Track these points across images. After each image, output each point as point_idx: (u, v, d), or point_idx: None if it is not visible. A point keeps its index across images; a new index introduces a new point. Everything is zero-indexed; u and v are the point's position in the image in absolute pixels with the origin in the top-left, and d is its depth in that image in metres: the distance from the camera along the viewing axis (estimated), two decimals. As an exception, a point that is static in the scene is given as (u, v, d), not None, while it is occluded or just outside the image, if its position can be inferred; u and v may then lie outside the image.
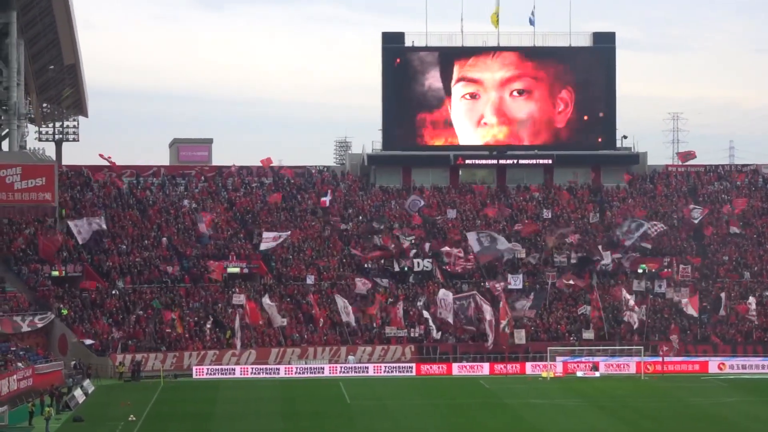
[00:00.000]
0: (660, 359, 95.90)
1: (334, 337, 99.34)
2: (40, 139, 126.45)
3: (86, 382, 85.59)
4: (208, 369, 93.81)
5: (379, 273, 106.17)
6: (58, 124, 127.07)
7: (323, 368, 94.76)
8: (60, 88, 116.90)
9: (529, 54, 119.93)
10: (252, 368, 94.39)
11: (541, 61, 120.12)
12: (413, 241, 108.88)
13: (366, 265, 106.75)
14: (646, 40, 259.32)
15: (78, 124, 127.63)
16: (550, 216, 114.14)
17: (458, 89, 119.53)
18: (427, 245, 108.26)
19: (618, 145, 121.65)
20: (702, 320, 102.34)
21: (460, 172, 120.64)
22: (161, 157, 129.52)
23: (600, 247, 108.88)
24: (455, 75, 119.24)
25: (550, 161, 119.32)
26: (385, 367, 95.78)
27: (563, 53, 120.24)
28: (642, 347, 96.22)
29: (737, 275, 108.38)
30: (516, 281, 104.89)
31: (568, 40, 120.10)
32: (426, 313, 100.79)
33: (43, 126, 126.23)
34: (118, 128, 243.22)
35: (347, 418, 73.39)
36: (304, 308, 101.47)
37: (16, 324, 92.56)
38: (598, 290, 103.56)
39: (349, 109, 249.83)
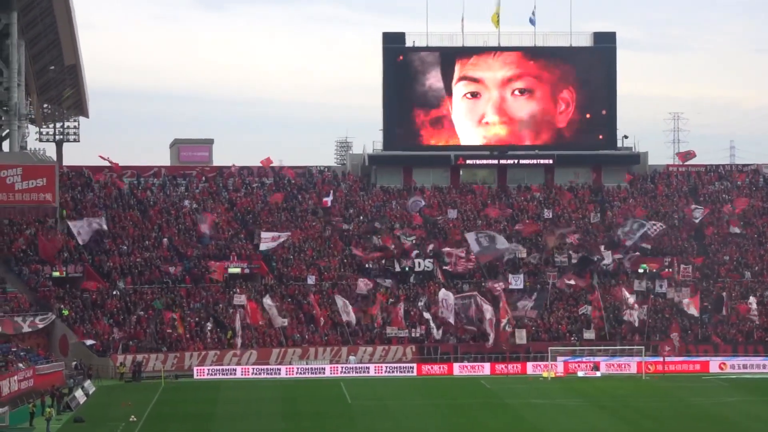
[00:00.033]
0: (661, 359, 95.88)
1: (335, 338, 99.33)
2: (40, 140, 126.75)
3: (87, 383, 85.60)
4: (209, 369, 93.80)
5: (380, 273, 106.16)
6: (58, 125, 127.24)
7: (324, 368, 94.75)
8: (61, 89, 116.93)
9: (531, 53, 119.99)
10: (253, 369, 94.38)
11: (542, 61, 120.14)
12: (414, 242, 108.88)
13: (367, 266, 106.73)
14: (646, 41, 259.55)
15: (78, 124, 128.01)
16: (550, 216, 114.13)
17: (459, 88, 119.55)
18: (430, 246, 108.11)
19: (619, 145, 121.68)
20: (703, 320, 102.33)
21: (461, 172, 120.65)
22: (162, 158, 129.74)
23: (602, 247, 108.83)
24: (456, 74, 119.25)
25: (550, 161, 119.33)
26: (386, 367, 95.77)
27: (564, 53, 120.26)
28: (643, 347, 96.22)
29: (738, 275, 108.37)
30: (517, 281, 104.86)
31: (568, 40, 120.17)
32: (427, 314, 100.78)
33: (44, 126, 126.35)
34: (119, 129, 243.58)
35: (348, 418, 73.40)
36: (305, 308, 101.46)
37: (17, 325, 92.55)
38: (598, 290, 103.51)
39: (350, 109, 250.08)
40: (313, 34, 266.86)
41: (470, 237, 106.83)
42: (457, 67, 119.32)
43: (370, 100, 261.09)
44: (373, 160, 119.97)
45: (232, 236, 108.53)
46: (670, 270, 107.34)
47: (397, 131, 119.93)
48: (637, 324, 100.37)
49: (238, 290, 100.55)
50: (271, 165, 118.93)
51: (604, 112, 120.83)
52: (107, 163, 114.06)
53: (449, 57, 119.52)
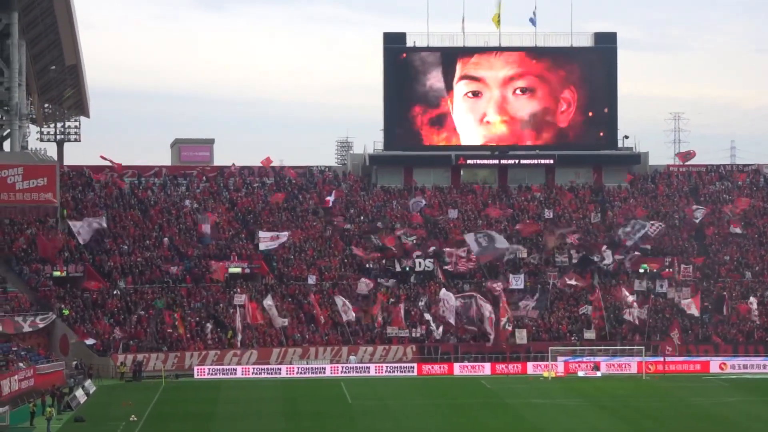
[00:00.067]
0: (661, 359, 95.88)
1: (336, 337, 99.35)
2: (41, 140, 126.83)
3: (87, 383, 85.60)
4: (209, 369, 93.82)
5: (381, 273, 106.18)
6: (59, 125, 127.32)
7: (325, 368, 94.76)
8: (61, 89, 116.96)
9: (532, 53, 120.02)
10: (253, 368, 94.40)
11: (544, 60, 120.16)
12: (414, 242, 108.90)
13: (368, 265, 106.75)
14: (646, 41, 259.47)
15: (79, 124, 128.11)
16: (551, 216, 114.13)
17: (461, 87, 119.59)
18: (431, 248, 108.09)
19: (619, 145, 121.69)
20: (703, 320, 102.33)
21: (462, 172, 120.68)
22: (162, 158, 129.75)
23: (604, 247, 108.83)
24: (458, 73, 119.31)
25: (551, 161, 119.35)
26: (387, 367, 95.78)
27: (565, 53, 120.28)
28: (643, 347, 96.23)
29: (739, 275, 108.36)
30: (517, 281, 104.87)
31: (569, 41, 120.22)
32: (427, 314, 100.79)
33: (45, 126, 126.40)
34: (119, 128, 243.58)
35: (349, 418, 73.41)
36: (305, 308, 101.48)
37: (18, 324, 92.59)
38: (599, 290, 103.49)
39: (350, 109, 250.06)
40: (313, 34, 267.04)
41: (469, 238, 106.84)
42: (458, 66, 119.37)
43: (370, 100, 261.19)
44: (373, 160, 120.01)
45: (232, 236, 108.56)
46: (671, 270, 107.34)
47: (398, 131, 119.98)
48: (637, 323, 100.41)
49: (238, 290, 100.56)
50: (272, 165, 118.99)
51: (605, 110, 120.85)
52: (108, 163, 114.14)
53: (450, 57, 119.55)
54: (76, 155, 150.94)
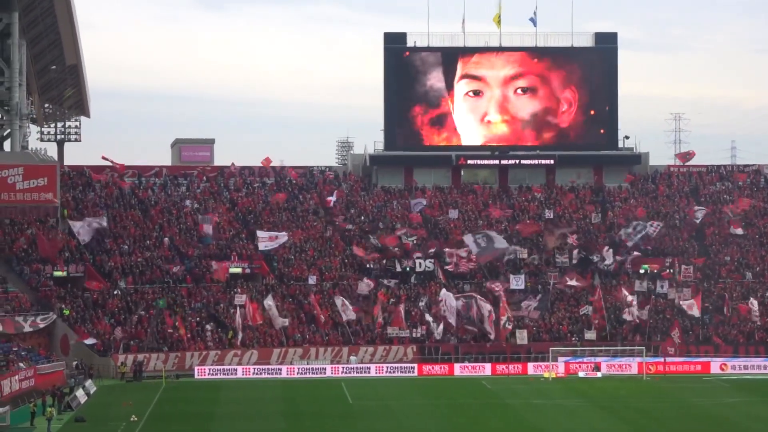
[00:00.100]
0: (662, 359, 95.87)
1: (336, 338, 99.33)
2: (42, 140, 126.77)
3: (88, 383, 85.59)
4: (210, 369, 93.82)
5: (381, 273, 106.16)
6: (59, 125, 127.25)
7: (325, 368, 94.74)
8: (62, 89, 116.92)
9: (534, 53, 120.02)
10: (254, 368, 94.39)
11: (546, 59, 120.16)
12: (415, 242, 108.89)
13: (368, 266, 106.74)
14: (647, 41, 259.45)
15: (80, 124, 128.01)
16: (551, 216, 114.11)
17: (461, 86, 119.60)
18: (432, 249, 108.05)
19: (620, 145, 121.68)
20: (704, 321, 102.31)
21: (462, 173, 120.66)
22: (163, 158, 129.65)
23: (606, 248, 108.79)
24: (459, 72, 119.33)
25: (552, 161, 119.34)
26: (387, 367, 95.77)
27: (566, 53, 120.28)
28: (644, 348, 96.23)
29: (739, 276, 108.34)
30: (518, 281, 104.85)
31: (569, 41, 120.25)
32: (428, 314, 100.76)
33: (45, 126, 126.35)
34: (120, 128, 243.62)
35: (349, 418, 73.42)
36: (305, 308, 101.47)
37: (18, 324, 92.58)
38: (600, 291, 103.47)
39: (351, 109, 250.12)
40: (313, 34, 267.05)
41: (468, 239, 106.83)
42: (459, 66, 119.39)
43: (370, 100, 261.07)
44: (374, 160, 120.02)
45: (233, 236, 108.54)
46: (671, 271, 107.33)
47: (398, 131, 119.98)
48: (637, 321, 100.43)
49: (239, 290, 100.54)
50: (273, 165, 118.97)
51: (607, 108, 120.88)
52: (109, 163, 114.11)
53: (450, 56, 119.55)
54: (76, 155, 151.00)
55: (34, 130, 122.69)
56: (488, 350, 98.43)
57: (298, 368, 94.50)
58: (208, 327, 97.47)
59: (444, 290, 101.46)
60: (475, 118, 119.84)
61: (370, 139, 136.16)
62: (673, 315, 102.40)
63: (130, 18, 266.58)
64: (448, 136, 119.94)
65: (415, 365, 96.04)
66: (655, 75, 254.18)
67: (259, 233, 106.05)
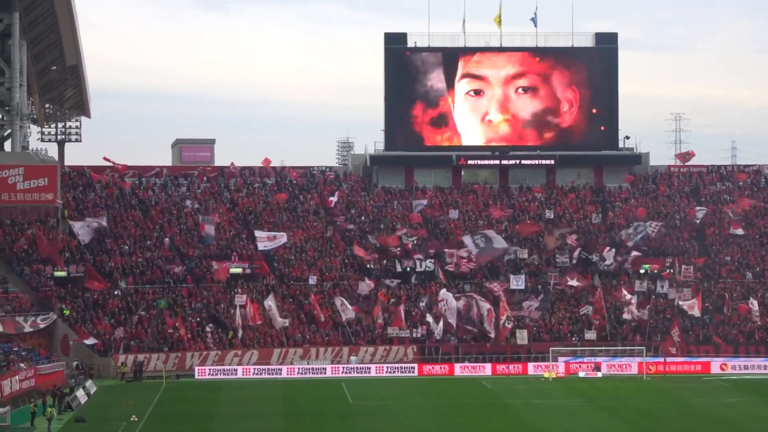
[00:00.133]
0: (662, 359, 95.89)
1: (336, 338, 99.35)
2: (42, 140, 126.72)
3: (88, 383, 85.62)
4: (210, 369, 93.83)
5: (381, 273, 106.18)
6: (60, 125, 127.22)
7: (325, 369, 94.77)
8: (62, 89, 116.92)
9: (535, 53, 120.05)
10: (254, 369, 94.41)
11: (547, 59, 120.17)
12: (415, 242, 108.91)
13: (368, 266, 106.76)
14: (647, 41, 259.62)
15: (80, 124, 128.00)
16: (552, 216, 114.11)
17: (462, 86, 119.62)
18: (433, 249, 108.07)
19: (620, 145, 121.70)
20: (704, 321, 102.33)
21: (463, 173, 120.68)
22: (163, 158, 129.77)
23: (607, 248, 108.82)
24: (459, 71, 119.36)
25: (552, 162, 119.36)
26: (387, 367, 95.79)
27: (567, 53, 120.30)
28: (644, 348, 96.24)
29: (739, 276, 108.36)
30: (518, 281, 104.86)
31: (570, 41, 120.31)
32: (428, 314, 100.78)
33: (46, 126, 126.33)
34: (120, 129, 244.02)
35: (349, 418, 73.44)
36: (306, 309, 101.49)
37: (19, 324, 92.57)
38: (600, 291, 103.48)
39: (351, 109, 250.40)
40: (313, 34, 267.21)
41: (467, 240, 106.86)
42: (460, 65, 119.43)
43: (371, 100, 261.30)
44: (374, 160, 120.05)
45: (233, 236, 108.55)
46: (672, 271, 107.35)
47: (399, 131, 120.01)
48: (636, 320, 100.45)
49: (239, 290, 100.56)
50: (273, 165, 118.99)
51: (607, 110, 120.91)
52: (109, 164, 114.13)
53: (451, 56, 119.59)
54: (76, 155, 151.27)
55: (34, 130, 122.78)
56: (488, 350, 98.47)
57: (299, 368, 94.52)
58: (208, 327, 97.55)
59: (444, 290, 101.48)
60: (475, 118, 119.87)
61: (371, 139, 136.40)
62: (673, 315, 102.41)
63: (131, 18, 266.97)
64: (448, 136, 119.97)
65: (416, 365, 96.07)
66: (655, 75, 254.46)
67: (258, 233, 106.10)
